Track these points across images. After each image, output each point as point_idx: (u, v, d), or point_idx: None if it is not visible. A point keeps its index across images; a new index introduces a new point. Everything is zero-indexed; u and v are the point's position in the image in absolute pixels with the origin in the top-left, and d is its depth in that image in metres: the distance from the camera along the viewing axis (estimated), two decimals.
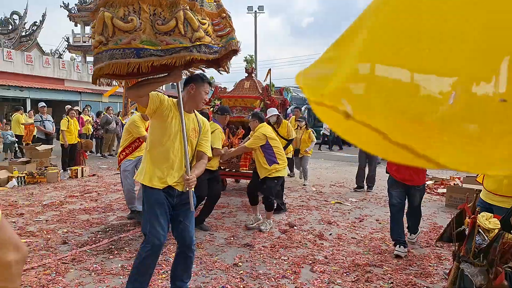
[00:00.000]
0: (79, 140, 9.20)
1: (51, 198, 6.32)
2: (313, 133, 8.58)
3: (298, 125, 8.54)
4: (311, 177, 9.19)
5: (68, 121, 8.69)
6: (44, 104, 9.98)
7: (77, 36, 30.34)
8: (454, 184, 7.84)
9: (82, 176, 8.53)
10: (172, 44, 2.38)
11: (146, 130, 4.77)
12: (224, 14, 2.69)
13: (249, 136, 5.44)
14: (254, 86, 6.88)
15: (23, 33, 26.97)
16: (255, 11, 32.79)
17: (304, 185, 8.08)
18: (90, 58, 33.73)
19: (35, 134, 10.51)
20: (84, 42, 30.17)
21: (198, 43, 2.45)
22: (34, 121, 9.88)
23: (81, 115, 12.34)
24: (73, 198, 6.45)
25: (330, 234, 4.73)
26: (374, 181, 7.67)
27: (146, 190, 2.69)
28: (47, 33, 47.59)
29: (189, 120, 2.79)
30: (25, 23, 27.32)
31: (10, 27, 26.66)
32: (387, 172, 4.47)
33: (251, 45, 30.93)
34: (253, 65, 7.19)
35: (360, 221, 5.45)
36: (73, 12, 30.06)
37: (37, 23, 27.63)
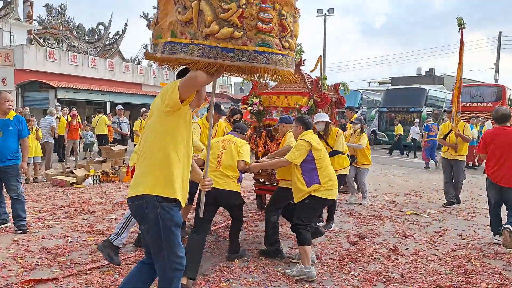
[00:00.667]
0: None
1: (122, 197, 6.58)
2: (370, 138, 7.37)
3: (352, 129, 6.80)
4: (382, 184, 8.59)
5: (141, 122, 9.09)
6: (122, 107, 10.59)
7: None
8: None
9: None
10: (188, 39, 2.11)
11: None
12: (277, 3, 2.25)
13: (281, 144, 4.51)
14: (302, 80, 5.59)
15: (107, 42, 29.35)
16: (325, 13, 32.18)
17: (361, 203, 6.54)
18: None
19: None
20: None
21: (212, 42, 2.09)
22: (112, 123, 10.53)
23: None
24: None
25: (406, 249, 4.25)
26: (458, 195, 6.76)
27: (172, 208, 2.21)
28: (128, 41, 51.51)
29: None
30: (109, 32, 29.70)
31: (96, 36, 29.13)
32: (484, 173, 4.98)
33: (320, 47, 30.36)
34: (302, 56, 5.95)
35: (441, 235, 4.87)
36: (151, 21, 32.02)
37: (119, 33, 29.81)
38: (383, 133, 18.68)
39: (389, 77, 42.35)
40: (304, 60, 5.78)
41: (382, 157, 14.47)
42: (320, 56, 5.98)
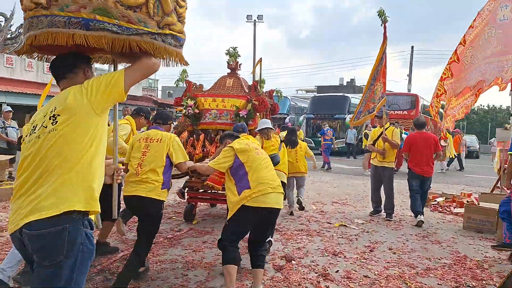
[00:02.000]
0: None
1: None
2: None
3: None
4: (310, 192, 8.30)
5: None
6: (10, 109, 9.01)
7: None
8: (467, 201, 6.98)
9: None
10: (135, 25, 1.85)
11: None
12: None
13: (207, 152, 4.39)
14: (239, 84, 5.54)
15: (9, 35, 26.14)
16: (254, 20, 32.25)
17: (291, 212, 6.21)
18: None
19: None
20: None
21: (167, 31, 1.95)
22: None
23: None
24: None
25: (337, 271, 3.80)
26: (393, 206, 6.26)
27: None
28: None
29: None
30: (11, 25, 26.49)
31: None
32: (408, 168, 6.11)
33: (251, 54, 30.31)
34: (237, 60, 5.92)
35: (371, 250, 4.54)
36: None
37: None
38: (310, 139, 18.88)
39: (315, 86, 43.98)
40: (240, 64, 5.84)
41: (309, 163, 14.41)
42: (260, 58, 5.96)
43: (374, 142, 6.42)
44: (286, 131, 6.44)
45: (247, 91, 5.37)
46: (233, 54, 5.91)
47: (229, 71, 5.86)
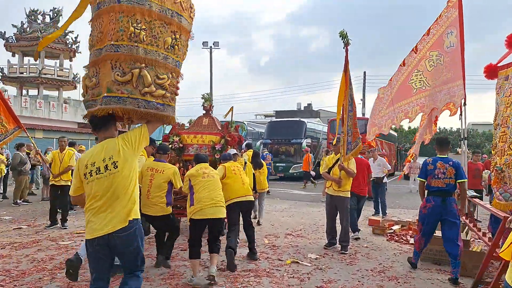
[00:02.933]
0: None
1: None
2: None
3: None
4: (264, 223, 7.82)
5: None
6: None
7: (13, 66, 27.82)
8: None
9: None
10: (124, 94, 2.82)
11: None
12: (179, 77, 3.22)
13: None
14: (213, 123, 7.01)
15: None
16: (210, 46, 32.25)
17: (258, 221, 7.75)
18: (25, 91, 31.03)
19: None
20: (22, 73, 27.73)
21: (148, 98, 2.88)
22: None
23: None
24: None
25: None
26: (349, 238, 5.93)
27: None
28: None
29: None
30: None
31: None
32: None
33: (213, 80, 30.23)
34: (211, 103, 7.31)
35: None
36: (10, 41, 27.73)
37: None
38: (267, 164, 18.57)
39: (273, 111, 44.36)
40: (213, 106, 7.29)
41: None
42: (232, 107, 7.65)
43: (329, 170, 6.07)
44: (252, 153, 8.11)
45: (220, 129, 6.88)
46: (207, 99, 7.23)
47: (204, 112, 7.26)
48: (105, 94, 2.78)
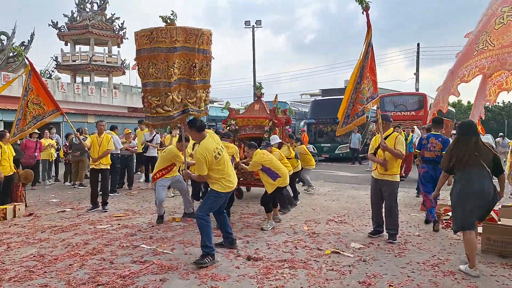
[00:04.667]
0: (16, 171, 7.50)
1: None
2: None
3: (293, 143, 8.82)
4: (305, 208, 7.39)
5: (1, 147, 7.02)
6: None
7: (66, 55, 29.11)
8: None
9: (15, 216, 6.80)
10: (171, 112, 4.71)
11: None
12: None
13: (246, 155, 6.79)
14: (263, 108, 8.23)
15: (11, 54, 25.86)
16: (253, 25, 31.63)
17: (308, 191, 9.25)
18: (79, 78, 32.52)
19: None
20: (74, 61, 28.96)
21: (180, 109, 4.78)
22: None
23: (40, 140, 10.68)
24: None
25: None
26: (397, 225, 5.30)
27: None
28: (36, 52, 47.20)
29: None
30: (13, 43, 26.22)
31: None
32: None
33: (257, 61, 29.77)
34: (261, 91, 8.54)
35: None
36: (62, 30, 28.96)
37: (25, 43, 26.46)
38: (312, 145, 17.93)
39: (319, 89, 42.95)
40: (263, 93, 8.57)
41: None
42: (276, 95, 8.95)
43: (375, 151, 5.43)
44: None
45: (268, 112, 8.07)
46: (258, 87, 8.66)
47: (256, 98, 8.77)
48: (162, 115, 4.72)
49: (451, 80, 5.07)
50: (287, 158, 7.20)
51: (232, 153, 6.55)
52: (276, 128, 7.95)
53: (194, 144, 7.17)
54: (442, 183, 4.68)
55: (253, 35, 31.84)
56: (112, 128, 9.26)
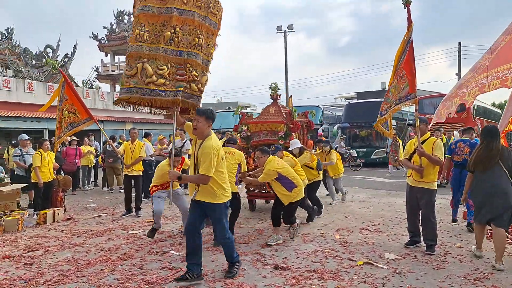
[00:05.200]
0: (56, 177, 7.82)
1: None
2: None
3: (322, 149, 8.43)
4: (337, 215, 7.17)
5: (41, 155, 7.35)
6: (27, 137, 8.80)
7: (106, 65, 30.43)
8: None
9: (54, 220, 7.08)
10: (131, 85, 4.22)
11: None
12: (188, 64, 4.48)
13: (257, 165, 5.80)
14: (279, 111, 7.36)
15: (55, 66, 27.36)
16: (285, 30, 31.59)
17: (342, 200, 8.84)
18: (119, 88, 33.85)
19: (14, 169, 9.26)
20: (113, 71, 30.20)
21: (151, 87, 4.23)
22: (13, 156, 8.69)
23: (80, 147, 11.13)
24: (6, 260, 4.90)
25: None
26: (436, 236, 4.99)
27: None
28: (79, 64, 49.83)
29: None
30: (58, 55, 27.74)
31: (44, 60, 27.07)
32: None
33: (289, 65, 29.57)
34: (277, 92, 7.66)
35: None
36: (102, 42, 30.31)
37: (68, 55, 27.92)
38: (354, 150, 17.51)
39: (355, 92, 42.09)
40: (279, 95, 7.69)
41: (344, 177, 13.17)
42: (291, 95, 8.18)
43: (411, 156, 5.16)
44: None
45: (285, 116, 7.18)
46: (273, 88, 7.61)
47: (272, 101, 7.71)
48: (120, 87, 3.61)
49: (485, 75, 4.78)
50: (307, 166, 6.65)
51: (238, 161, 5.64)
52: (293, 134, 7.06)
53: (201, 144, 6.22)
54: (469, 184, 4.70)
55: (285, 39, 31.75)
56: (146, 135, 9.48)
